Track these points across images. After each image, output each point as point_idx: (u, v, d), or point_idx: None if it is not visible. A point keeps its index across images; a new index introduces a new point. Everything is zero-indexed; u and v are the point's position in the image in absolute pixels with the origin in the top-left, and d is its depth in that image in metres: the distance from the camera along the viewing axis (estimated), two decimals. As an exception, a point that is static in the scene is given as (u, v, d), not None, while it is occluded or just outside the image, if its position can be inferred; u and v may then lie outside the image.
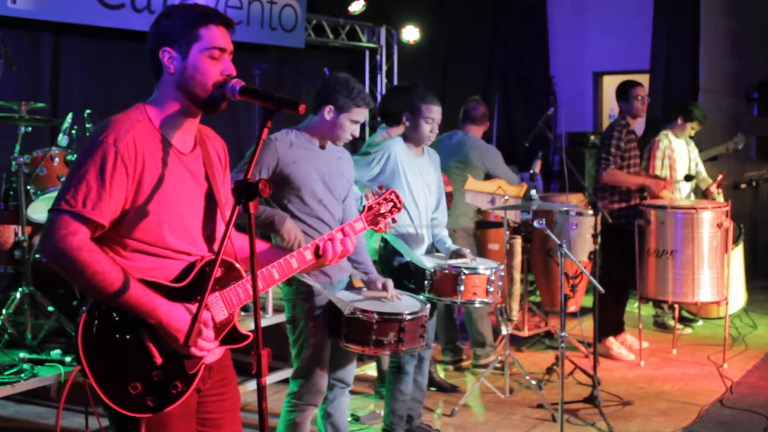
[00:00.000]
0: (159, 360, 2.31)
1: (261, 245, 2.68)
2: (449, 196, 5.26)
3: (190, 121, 2.43)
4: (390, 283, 3.81)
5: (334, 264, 3.61)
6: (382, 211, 2.83)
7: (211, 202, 2.46)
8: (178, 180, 2.37)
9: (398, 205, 2.88)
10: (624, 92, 6.14)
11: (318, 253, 2.65)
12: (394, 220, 2.88)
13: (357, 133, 3.66)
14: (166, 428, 2.37)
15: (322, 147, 3.66)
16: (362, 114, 3.61)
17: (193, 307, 2.33)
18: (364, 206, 2.82)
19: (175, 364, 2.33)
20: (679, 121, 6.61)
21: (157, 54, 2.37)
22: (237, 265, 2.47)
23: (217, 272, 2.38)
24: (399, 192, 4.29)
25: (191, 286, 2.37)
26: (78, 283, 2.29)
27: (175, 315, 2.29)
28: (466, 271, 4.25)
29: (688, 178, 6.36)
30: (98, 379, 2.27)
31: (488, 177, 5.72)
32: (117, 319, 2.29)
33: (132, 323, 2.29)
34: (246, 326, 4.73)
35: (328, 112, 3.59)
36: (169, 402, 2.33)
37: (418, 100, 4.34)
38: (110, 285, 2.23)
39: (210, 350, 2.38)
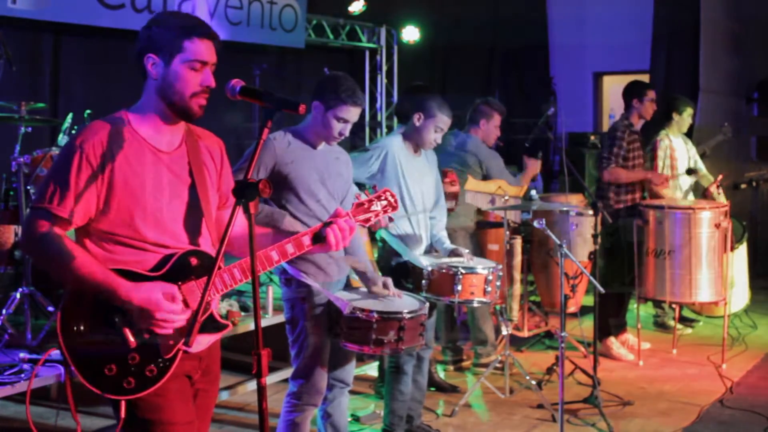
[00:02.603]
0: (133, 343, 2.39)
1: (261, 231, 2.75)
2: (454, 195, 5.25)
3: (171, 123, 2.53)
4: (390, 281, 3.82)
5: (332, 262, 3.66)
6: (374, 208, 2.83)
7: (194, 198, 2.54)
8: (156, 177, 2.47)
9: (393, 204, 2.87)
10: (639, 92, 6.16)
11: (319, 238, 2.65)
12: (391, 219, 2.89)
13: (346, 133, 3.60)
14: (163, 411, 2.46)
15: (315, 147, 3.64)
16: (350, 112, 3.54)
17: (169, 287, 2.41)
18: (353, 203, 2.82)
19: (150, 348, 2.41)
20: (675, 116, 6.62)
21: (142, 59, 2.49)
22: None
23: (195, 261, 2.50)
24: (396, 190, 4.32)
25: (167, 275, 2.46)
26: (51, 271, 2.49)
27: (137, 295, 2.37)
28: (464, 271, 4.25)
29: (689, 171, 6.36)
30: (76, 360, 2.39)
31: (486, 178, 5.72)
32: (94, 302, 2.39)
33: (108, 306, 2.39)
34: (246, 326, 4.76)
35: (315, 108, 3.59)
36: (146, 385, 2.41)
37: (435, 107, 4.32)
38: (75, 268, 2.36)
39: (175, 322, 2.41)
